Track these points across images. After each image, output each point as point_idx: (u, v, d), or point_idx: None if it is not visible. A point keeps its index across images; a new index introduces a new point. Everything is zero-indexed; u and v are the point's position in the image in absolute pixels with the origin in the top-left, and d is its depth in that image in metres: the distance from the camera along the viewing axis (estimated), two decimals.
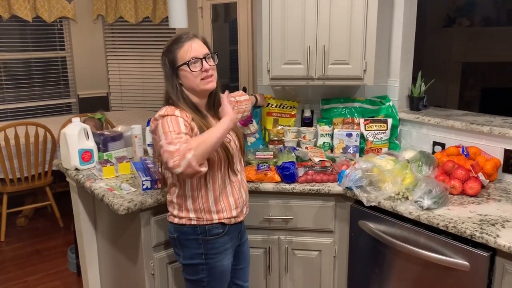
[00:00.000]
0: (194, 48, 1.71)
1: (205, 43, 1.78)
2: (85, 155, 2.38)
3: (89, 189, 2.19)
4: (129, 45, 5.45)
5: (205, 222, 1.76)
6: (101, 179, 2.27)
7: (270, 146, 2.60)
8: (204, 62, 1.72)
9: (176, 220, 1.79)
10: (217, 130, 1.62)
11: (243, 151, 1.90)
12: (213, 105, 1.85)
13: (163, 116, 1.66)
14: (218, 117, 1.84)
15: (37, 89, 5.15)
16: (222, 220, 1.78)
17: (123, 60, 5.47)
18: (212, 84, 1.76)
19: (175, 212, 1.79)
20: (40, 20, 4.92)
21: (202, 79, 1.72)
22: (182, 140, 1.54)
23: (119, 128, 2.65)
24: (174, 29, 4.80)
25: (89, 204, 2.47)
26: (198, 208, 1.75)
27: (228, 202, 1.79)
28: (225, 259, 1.82)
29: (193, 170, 1.51)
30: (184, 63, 1.70)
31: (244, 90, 4.17)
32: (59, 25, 5.18)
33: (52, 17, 4.96)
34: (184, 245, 1.79)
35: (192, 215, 1.75)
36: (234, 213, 1.81)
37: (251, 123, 2.54)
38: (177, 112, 1.67)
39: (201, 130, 1.68)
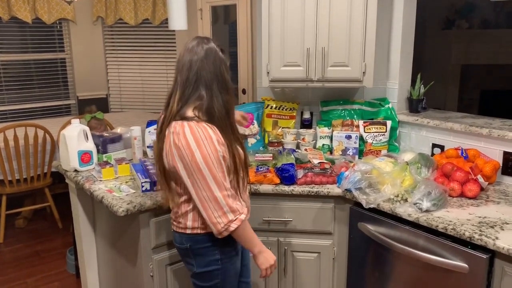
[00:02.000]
0: None
1: None
2: (84, 157, 2.38)
3: (88, 190, 2.19)
4: (128, 46, 5.45)
5: None
6: (100, 180, 2.26)
7: (270, 148, 2.60)
8: None
9: (188, 231, 1.75)
10: (253, 243, 1.74)
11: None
12: None
13: (197, 140, 1.60)
14: None
15: (36, 91, 5.15)
16: None
17: (123, 61, 5.48)
18: None
19: (189, 223, 1.74)
20: (39, 22, 4.92)
21: None
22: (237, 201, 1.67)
23: (119, 130, 2.65)
24: (173, 31, 4.81)
25: (88, 206, 2.47)
26: None
27: None
28: (238, 261, 1.84)
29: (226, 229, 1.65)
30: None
31: (244, 92, 4.18)
32: (58, 27, 5.18)
33: (51, 19, 4.96)
34: (199, 254, 1.77)
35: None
36: None
37: (253, 124, 2.54)
38: (211, 132, 1.62)
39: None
